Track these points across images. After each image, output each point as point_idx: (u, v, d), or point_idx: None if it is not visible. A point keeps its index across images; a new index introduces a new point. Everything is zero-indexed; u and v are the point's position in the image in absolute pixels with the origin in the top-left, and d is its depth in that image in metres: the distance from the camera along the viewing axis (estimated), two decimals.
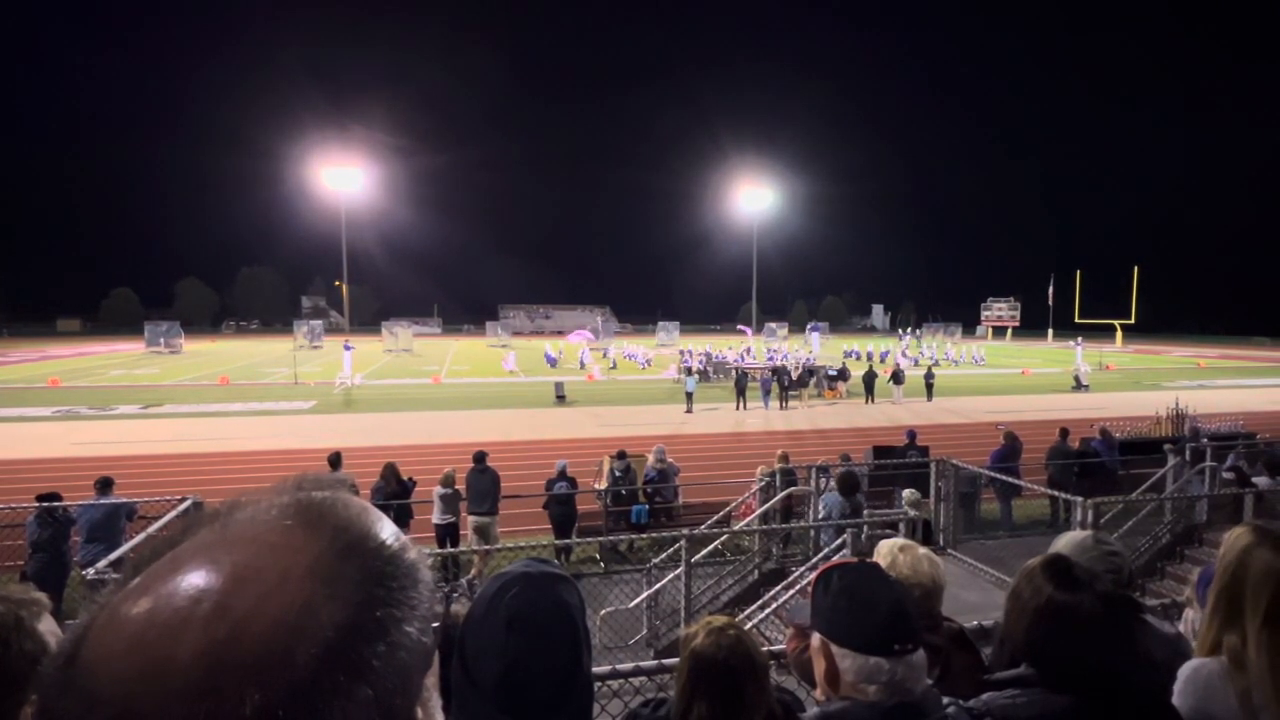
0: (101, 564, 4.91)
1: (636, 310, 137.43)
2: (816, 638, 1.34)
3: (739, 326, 59.57)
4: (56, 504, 7.64)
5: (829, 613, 1.33)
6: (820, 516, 7.86)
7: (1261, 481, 9.13)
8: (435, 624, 0.46)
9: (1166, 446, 10.82)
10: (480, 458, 9.97)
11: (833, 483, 9.41)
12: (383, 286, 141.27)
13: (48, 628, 1.20)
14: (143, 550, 0.43)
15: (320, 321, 66.05)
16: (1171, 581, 8.18)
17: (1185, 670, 1.59)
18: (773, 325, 71.14)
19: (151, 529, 5.89)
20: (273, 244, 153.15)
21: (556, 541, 9.82)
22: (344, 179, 54.15)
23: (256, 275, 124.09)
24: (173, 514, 6.26)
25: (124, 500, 8.05)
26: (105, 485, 8.02)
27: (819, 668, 1.33)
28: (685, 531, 7.06)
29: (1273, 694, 1.42)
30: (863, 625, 1.29)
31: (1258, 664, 1.45)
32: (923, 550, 2.38)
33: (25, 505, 7.69)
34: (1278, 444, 11.00)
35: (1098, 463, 11.88)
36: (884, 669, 1.26)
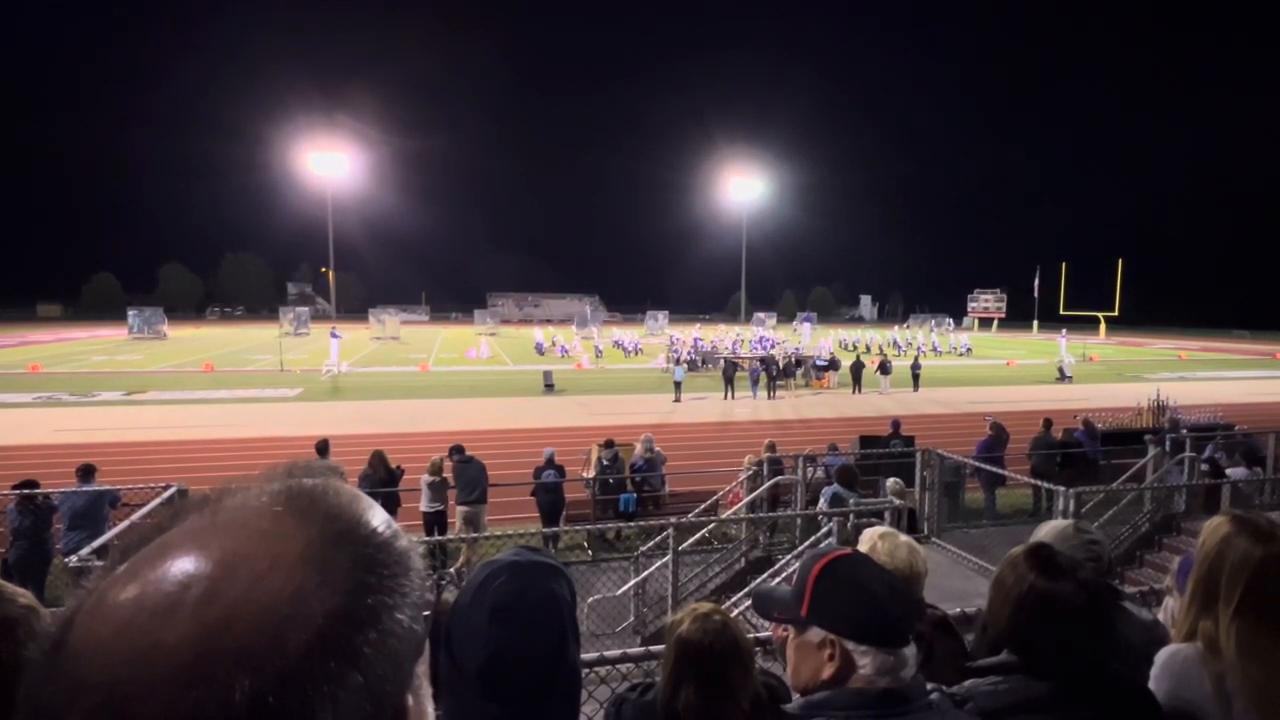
0: (84, 551, 4.87)
1: (626, 299, 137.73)
2: (818, 633, 1.26)
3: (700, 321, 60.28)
4: (35, 492, 7.55)
5: (843, 609, 1.25)
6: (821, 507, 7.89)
7: (1238, 472, 9.30)
8: (426, 612, 0.46)
9: (1147, 437, 10.98)
10: (458, 450, 9.94)
11: (820, 473, 9.49)
12: (370, 273, 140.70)
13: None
14: (130, 536, 0.43)
15: (306, 308, 65.44)
16: (1150, 570, 8.31)
17: (1162, 655, 1.62)
18: (761, 315, 71.34)
19: (135, 516, 5.84)
20: (258, 230, 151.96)
21: (545, 530, 9.83)
22: (330, 164, 53.48)
23: (241, 261, 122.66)
24: (157, 501, 6.21)
25: (107, 488, 7.96)
26: (87, 472, 7.94)
27: (826, 667, 1.24)
28: (673, 520, 7.09)
29: (1244, 679, 1.46)
30: (882, 619, 1.22)
31: (1229, 650, 1.49)
32: (903, 538, 2.41)
33: (4, 493, 7.59)
34: (1255, 436, 11.19)
35: (1080, 453, 12.03)
36: (904, 660, 1.22)
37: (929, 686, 1.29)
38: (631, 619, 7.44)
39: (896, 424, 12.65)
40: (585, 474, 11.40)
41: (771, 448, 10.28)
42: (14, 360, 34.77)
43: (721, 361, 27.79)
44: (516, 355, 41.31)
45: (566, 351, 40.77)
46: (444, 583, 8.07)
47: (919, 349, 44.81)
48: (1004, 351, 49.50)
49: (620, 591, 7.51)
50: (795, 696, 1.34)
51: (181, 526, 0.42)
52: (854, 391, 26.12)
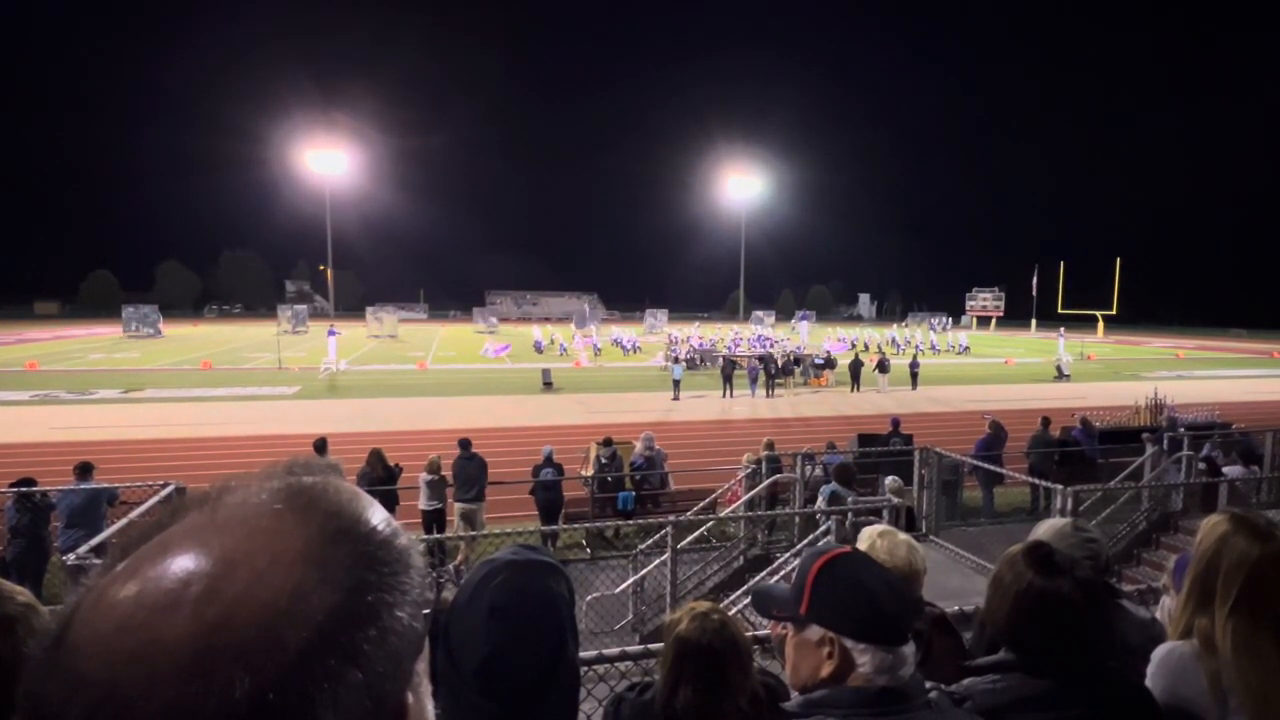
0: (82, 549, 4.86)
1: (625, 297, 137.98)
2: (817, 632, 1.26)
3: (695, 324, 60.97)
4: (33, 489, 7.54)
5: (843, 607, 1.24)
6: (819, 505, 7.89)
7: (1235, 470, 9.31)
8: (426, 609, 0.46)
9: (1145, 436, 10.99)
10: (465, 444, 9.93)
11: (819, 470, 9.50)
12: (368, 272, 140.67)
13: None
14: (130, 533, 0.43)
15: (304, 306, 65.42)
16: (1147, 568, 8.33)
17: (1158, 653, 1.63)
18: (760, 313, 71.41)
19: (133, 514, 5.84)
20: (256, 227, 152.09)
21: (543, 528, 9.84)
22: (329, 162, 53.33)
23: (239, 259, 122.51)
24: (154, 499, 6.20)
25: (105, 485, 7.95)
26: (85, 470, 7.92)
27: (825, 665, 1.24)
28: (671, 518, 7.09)
29: (1239, 676, 1.47)
30: (881, 618, 1.22)
31: (1225, 648, 1.49)
32: (902, 536, 2.41)
33: (2, 491, 7.58)
34: (1252, 434, 11.20)
35: (1078, 451, 12.05)
36: (903, 658, 1.22)
37: (928, 684, 1.29)
38: (630, 617, 7.44)
39: (896, 422, 12.66)
40: (584, 472, 11.40)
41: (770, 446, 10.28)
42: (11, 358, 34.70)
43: (720, 360, 27.79)
44: (515, 353, 41.27)
45: (566, 350, 40.74)
46: (443, 580, 8.08)
47: (917, 347, 44.86)
48: (1002, 350, 49.55)
49: (619, 590, 7.52)
50: (794, 695, 1.34)
51: (181, 524, 0.42)
52: (852, 390, 26.13)
